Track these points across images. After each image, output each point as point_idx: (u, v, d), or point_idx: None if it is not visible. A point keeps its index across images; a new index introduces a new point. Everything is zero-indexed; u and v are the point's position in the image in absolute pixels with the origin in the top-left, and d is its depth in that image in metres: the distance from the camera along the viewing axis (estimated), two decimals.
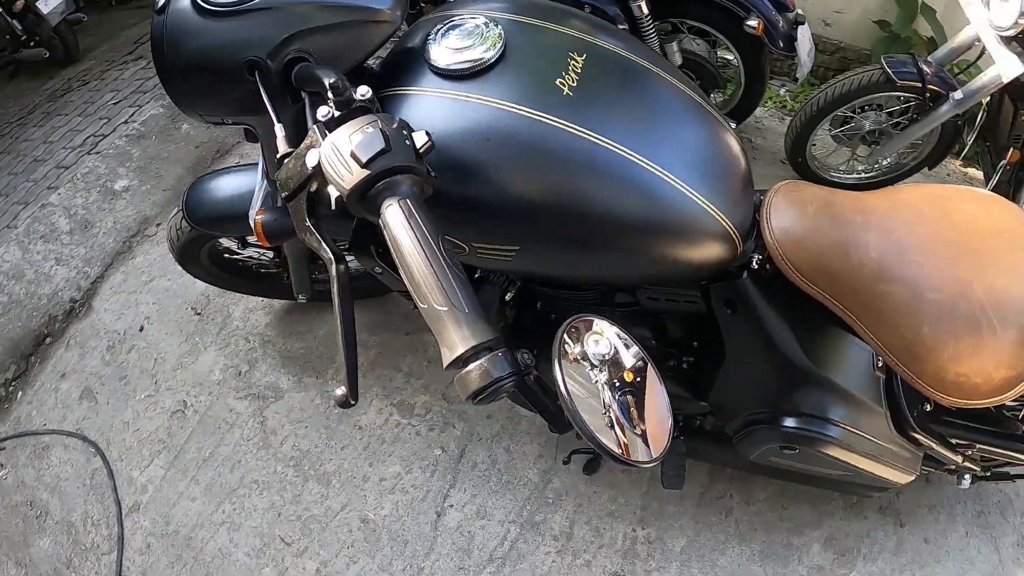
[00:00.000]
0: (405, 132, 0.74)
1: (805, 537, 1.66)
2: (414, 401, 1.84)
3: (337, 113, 0.76)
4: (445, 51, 0.91)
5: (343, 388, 0.72)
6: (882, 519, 1.74)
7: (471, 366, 0.61)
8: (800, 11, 2.06)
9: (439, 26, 0.96)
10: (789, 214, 1.03)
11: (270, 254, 1.77)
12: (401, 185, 0.70)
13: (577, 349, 0.69)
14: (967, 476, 1.43)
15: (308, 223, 0.77)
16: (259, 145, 1.07)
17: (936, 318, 0.95)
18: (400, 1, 0.95)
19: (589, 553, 1.61)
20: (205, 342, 1.93)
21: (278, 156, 0.80)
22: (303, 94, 0.87)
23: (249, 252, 1.78)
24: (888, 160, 2.30)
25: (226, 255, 1.76)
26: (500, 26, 0.93)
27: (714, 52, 2.36)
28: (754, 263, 1.04)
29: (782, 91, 2.91)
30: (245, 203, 1.37)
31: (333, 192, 0.72)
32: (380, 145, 0.69)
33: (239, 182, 1.43)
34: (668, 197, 0.92)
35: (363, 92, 0.78)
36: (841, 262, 1.00)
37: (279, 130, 0.82)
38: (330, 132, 0.73)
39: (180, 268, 1.74)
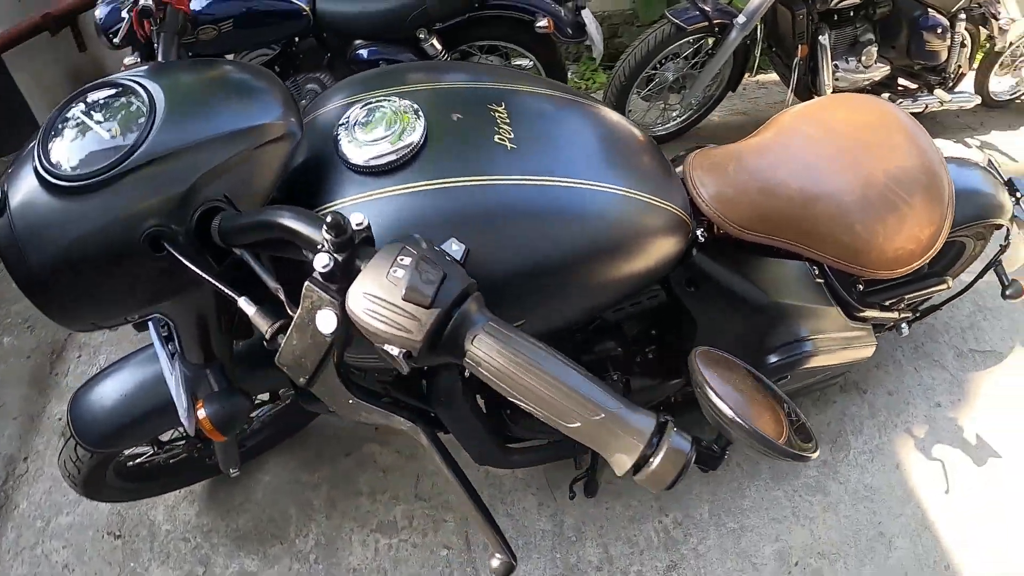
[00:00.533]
0: (438, 248, 0.65)
1: None
2: (391, 517, 1.73)
3: (341, 257, 0.61)
4: (363, 146, 0.84)
5: (498, 556, 0.64)
6: (847, 396, 1.95)
7: (657, 458, 0.56)
8: None
9: (340, 120, 0.88)
10: (713, 180, 1.13)
11: (188, 440, 1.59)
12: (474, 311, 0.60)
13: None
14: (903, 325, 1.65)
15: (352, 399, 0.67)
16: (121, 332, 0.97)
17: (861, 214, 1.10)
18: (289, 106, 0.84)
19: (635, 563, 1.62)
20: (143, 563, 1.69)
21: (268, 334, 0.66)
22: (237, 251, 0.73)
23: (167, 449, 1.60)
24: (697, 98, 2.55)
25: (136, 463, 1.56)
26: (406, 100, 0.88)
27: (509, 63, 2.48)
28: (700, 237, 1.11)
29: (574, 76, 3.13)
30: (145, 402, 1.23)
31: (393, 351, 0.58)
32: (438, 274, 0.59)
33: (125, 381, 1.26)
34: (627, 207, 0.95)
35: (359, 220, 0.63)
36: (772, 203, 1.11)
37: (246, 305, 0.68)
38: (351, 283, 0.60)
39: (76, 497, 1.51)
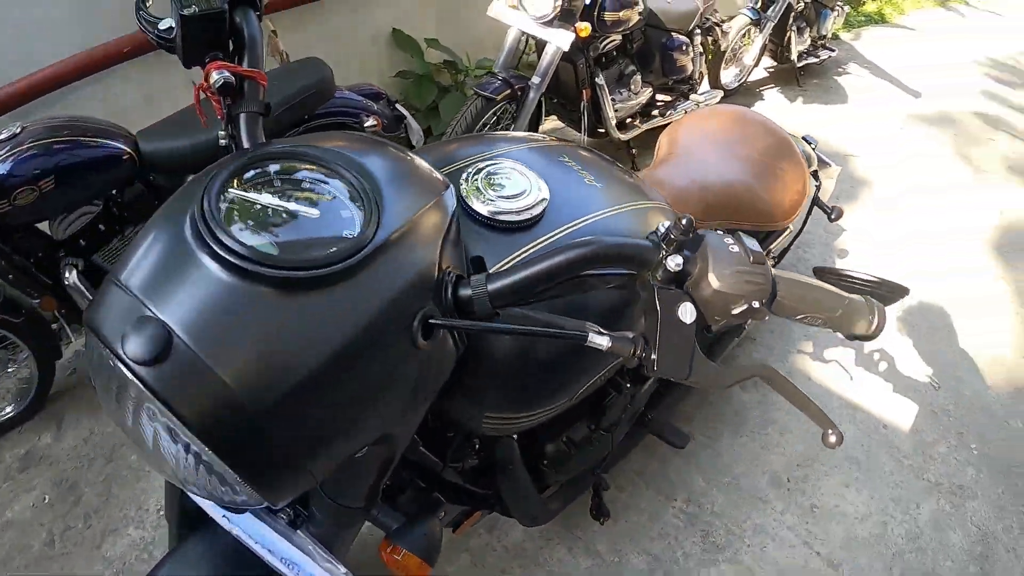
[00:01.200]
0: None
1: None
2: None
3: (691, 254, 0.72)
4: (503, 202, 0.90)
5: (830, 432, 0.78)
6: (747, 347, 2.32)
7: (876, 310, 0.81)
8: (383, 91, 2.43)
9: (461, 183, 0.91)
10: (663, 189, 1.39)
11: None
12: None
13: None
14: None
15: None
16: None
17: (760, 185, 1.53)
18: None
19: (677, 549, 1.75)
20: None
21: (635, 352, 0.71)
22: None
23: None
24: None
25: None
26: (512, 160, 0.98)
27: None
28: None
29: None
30: None
31: (755, 303, 0.72)
32: (739, 240, 0.74)
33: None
34: (652, 211, 1.12)
35: (676, 263, 0.71)
36: (709, 196, 1.44)
37: (597, 337, 0.70)
38: (695, 272, 0.71)
39: None
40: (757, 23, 4.09)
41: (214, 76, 0.85)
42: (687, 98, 3.46)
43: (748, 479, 1.95)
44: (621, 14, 2.70)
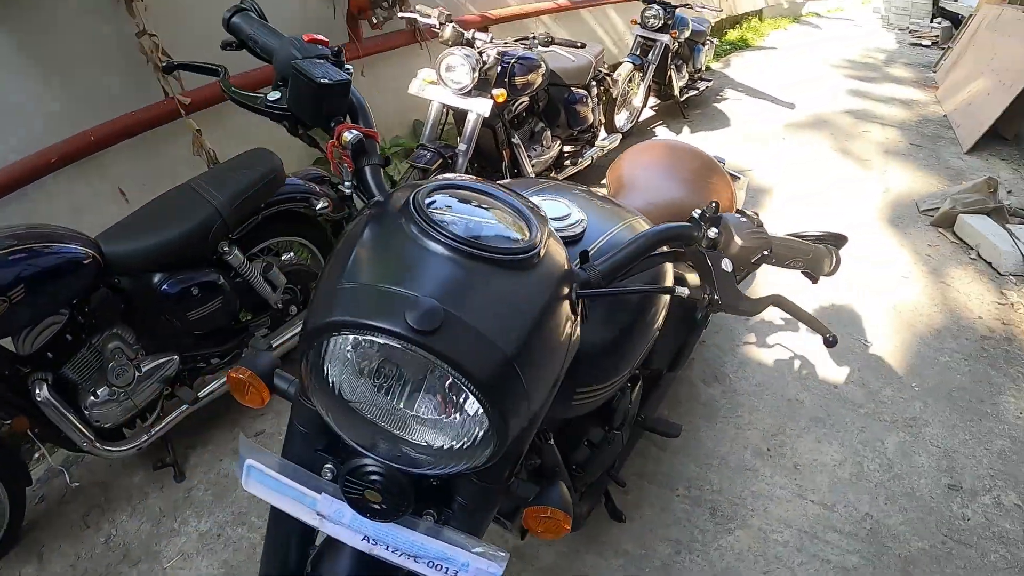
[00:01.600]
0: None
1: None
2: None
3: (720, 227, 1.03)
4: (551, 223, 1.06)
5: (825, 336, 1.11)
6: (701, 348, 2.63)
7: (833, 253, 1.13)
8: (326, 175, 2.64)
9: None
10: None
11: None
12: None
13: None
14: None
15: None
16: None
17: (701, 198, 1.88)
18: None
19: (694, 530, 1.97)
20: None
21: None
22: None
23: None
24: None
25: None
26: (551, 194, 1.30)
27: (282, 258, 2.58)
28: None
29: None
30: None
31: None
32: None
33: None
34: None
35: (714, 232, 1.02)
36: (662, 213, 1.74)
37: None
38: (721, 239, 1.01)
39: None
40: (640, 68, 4.67)
41: (346, 135, 1.03)
42: (592, 145, 3.90)
43: (734, 456, 2.22)
44: (528, 77, 3.09)
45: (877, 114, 6.17)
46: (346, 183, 1.06)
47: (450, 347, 0.70)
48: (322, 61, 1.07)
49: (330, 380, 0.80)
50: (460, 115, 2.97)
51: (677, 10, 4.88)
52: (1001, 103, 5.25)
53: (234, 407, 2.32)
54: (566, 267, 0.88)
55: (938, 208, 4.03)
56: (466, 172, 2.99)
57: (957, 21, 10.59)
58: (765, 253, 1.07)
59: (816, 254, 1.15)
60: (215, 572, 1.87)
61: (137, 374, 1.97)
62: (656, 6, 4.69)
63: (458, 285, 0.74)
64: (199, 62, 1.40)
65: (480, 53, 2.78)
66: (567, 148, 3.81)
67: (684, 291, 0.97)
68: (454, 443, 0.80)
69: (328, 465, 0.93)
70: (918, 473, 2.19)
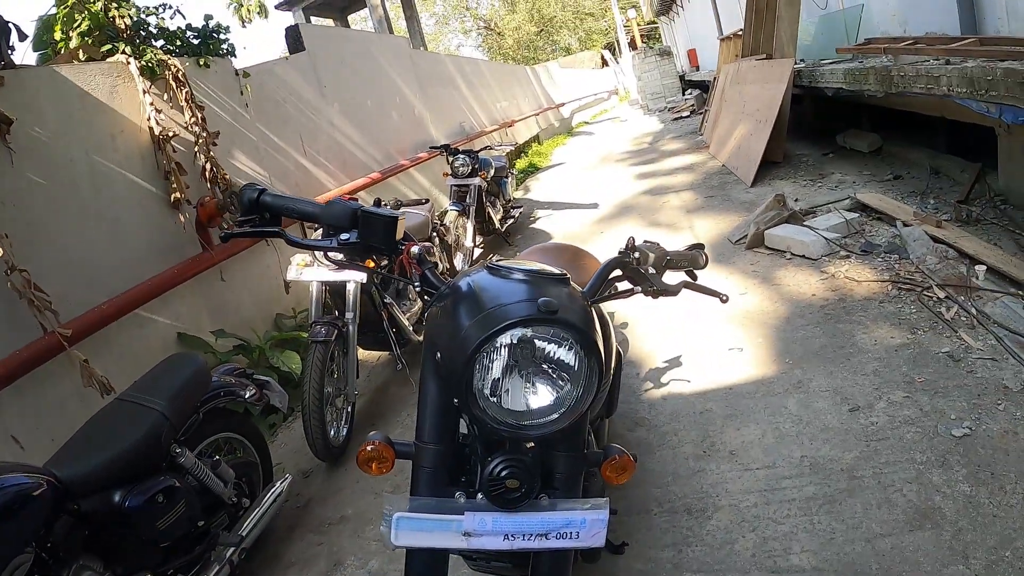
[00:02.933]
0: None
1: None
2: None
3: None
4: None
5: (719, 295, 1.69)
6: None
7: (703, 253, 1.79)
8: (239, 366, 3.00)
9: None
10: None
11: None
12: None
13: None
14: None
15: None
16: None
17: (582, 275, 2.43)
18: None
19: (691, 525, 2.45)
20: None
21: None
22: None
23: None
24: (353, 389, 3.62)
25: None
26: None
27: (224, 456, 2.87)
28: None
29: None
30: None
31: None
32: None
33: None
34: None
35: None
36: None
37: None
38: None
39: None
40: (463, 212, 5.59)
41: (414, 250, 1.61)
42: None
43: (682, 468, 2.76)
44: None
45: (668, 184, 7.53)
46: (415, 285, 1.64)
47: (569, 318, 1.25)
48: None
49: (476, 385, 1.26)
50: (337, 289, 3.51)
51: (479, 154, 5.95)
52: (763, 136, 6.73)
53: None
54: (577, 287, 1.46)
55: (746, 235, 5.09)
56: (358, 335, 3.49)
57: (705, 86, 12.98)
58: (668, 259, 1.70)
59: (693, 256, 1.82)
60: None
61: None
62: (462, 156, 5.76)
63: (546, 293, 1.28)
64: (256, 228, 1.82)
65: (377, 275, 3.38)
66: (426, 298, 4.44)
67: (637, 289, 1.61)
68: (566, 394, 1.29)
69: (458, 492, 1.36)
70: (823, 413, 2.87)
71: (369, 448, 1.38)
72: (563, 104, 17.98)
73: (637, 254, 1.62)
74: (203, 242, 3.99)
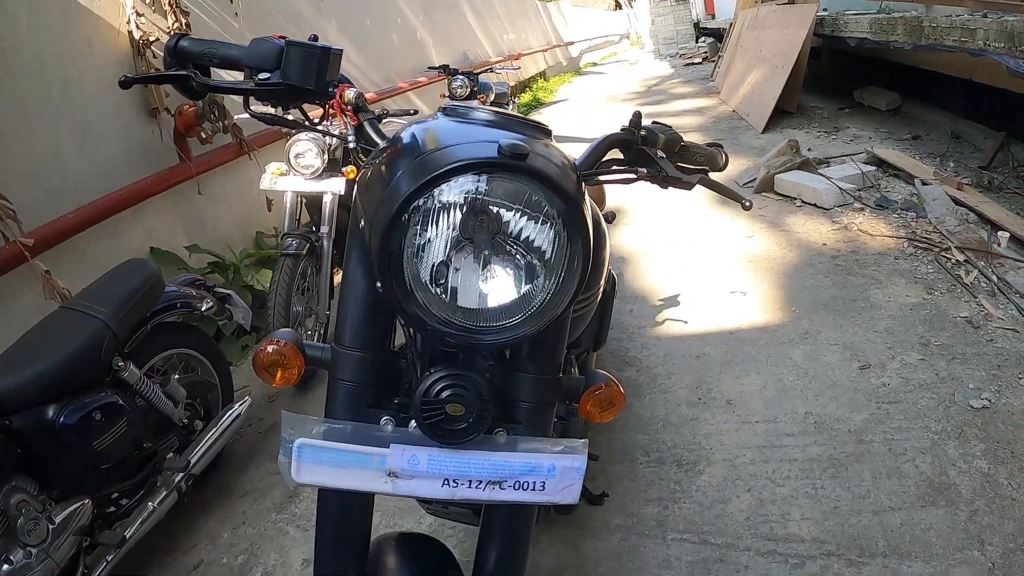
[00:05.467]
0: None
1: None
2: None
3: None
4: None
5: (743, 201, 1.27)
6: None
7: (724, 153, 1.35)
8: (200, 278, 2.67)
9: None
10: None
11: None
12: None
13: None
14: None
15: None
16: None
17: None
18: None
19: (673, 476, 2.17)
20: None
21: None
22: None
23: None
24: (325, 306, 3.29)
25: None
26: None
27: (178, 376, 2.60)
28: None
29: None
30: None
31: None
32: None
33: None
34: None
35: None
36: None
37: None
38: None
39: None
40: None
41: (348, 94, 1.28)
42: None
43: (673, 415, 2.47)
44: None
45: (677, 126, 6.97)
46: (349, 138, 1.28)
47: (540, 167, 0.83)
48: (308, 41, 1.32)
49: (406, 264, 0.86)
50: (314, 201, 3.15)
51: (479, 77, 5.47)
52: (779, 82, 6.29)
53: (160, 550, 2.22)
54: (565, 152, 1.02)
55: (755, 178, 4.71)
56: (332, 254, 3.14)
57: (719, 35, 12.45)
58: (683, 144, 1.30)
59: (713, 153, 1.40)
60: None
61: (51, 527, 1.81)
62: (461, 77, 5.28)
63: (516, 142, 0.82)
64: (161, 72, 1.51)
65: (324, 135, 2.99)
66: (363, 158, 4.06)
67: (642, 171, 1.15)
68: (537, 287, 0.89)
69: (385, 417, 0.99)
70: (831, 368, 2.56)
71: (270, 349, 1.00)
72: (572, 43, 17.35)
73: (644, 132, 1.18)
74: (180, 153, 3.67)
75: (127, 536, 2.00)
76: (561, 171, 0.87)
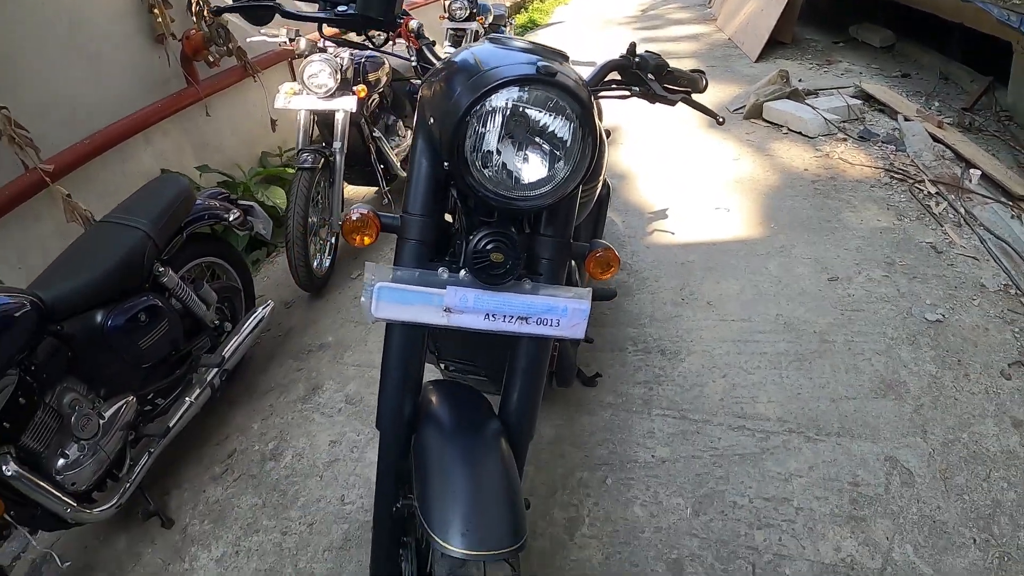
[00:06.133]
0: None
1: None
2: None
3: None
4: None
5: (717, 116, 1.57)
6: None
7: (704, 77, 1.61)
8: (224, 191, 2.82)
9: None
10: None
11: None
12: None
13: None
14: None
15: None
16: None
17: None
18: None
19: (656, 368, 2.42)
20: None
21: None
22: None
23: None
24: (338, 216, 3.43)
25: None
26: None
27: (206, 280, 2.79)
28: None
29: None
30: None
31: None
32: None
33: None
34: None
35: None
36: None
37: None
38: None
39: None
40: None
41: (412, 24, 1.57)
42: None
43: (659, 312, 2.72)
44: (378, 73, 3.48)
45: (672, 51, 7.12)
46: (413, 59, 1.51)
47: (565, 82, 1.08)
48: None
49: (467, 148, 1.12)
50: (325, 120, 3.26)
51: None
52: (775, 12, 6.33)
53: (195, 443, 2.41)
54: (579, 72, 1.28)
55: (745, 105, 4.85)
56: (344, 168, 3.29)
57: None
58: (669, 69, 1.54)
59: (695, 78, 1.62)
60: None
61: (101, 421, 1.94)
62: None
63: (549, 64, 1.10)
64: (248, 3, 1.72)
65: (335, 57, 3.09)
66: (423, 71, 4.18)
67: (635, 89, 1.48)
68: (558, 167, 1.16)
69: (441, 267, 1.24)
70: (802, 278, 2.82)
71: (354, 217, 1.26)
72: None
73: (638, 59, 1.50)
74: (188, 76, 3.71)
75: (170, 426, 2.16)
76: (578, 85, 1.13)
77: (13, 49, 2.77)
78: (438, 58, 1.41)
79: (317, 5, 1.61)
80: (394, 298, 1.19)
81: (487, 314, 1.21)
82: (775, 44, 6.51)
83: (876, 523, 1.84)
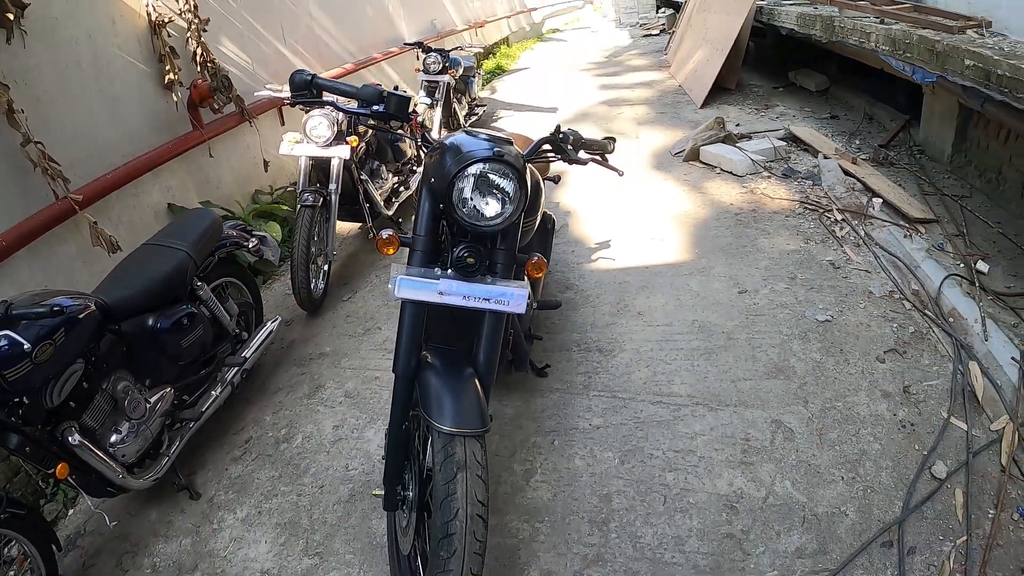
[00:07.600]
0: None
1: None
2: None
3: None
4: None
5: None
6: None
7: (612, 142, 2.33)
8: (242, 223, 3.47)
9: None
10: None
11: None
12: None
13: None
14: None
15: None
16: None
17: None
18: None
19: (592, 362, 3.11)
20: None
21: None
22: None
23: None
24: (334, 248, 4.11)
25: None
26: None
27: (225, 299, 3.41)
28: None
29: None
30: None
31: None
32: None
33: None
34: None
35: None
36: None
37: None
38: None
39: None
40: (431, 106, 5.99)
41: (419, 119, 2.25)
42: (413, 173, 5.03)
43: (599, 321, 3.42)
44: (363, 127, 4.17)
45: (626, 98, 8.00)
46: (417, 140, 2.27)
47: (509, 159, 1.83)
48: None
49: (454, 196, 1.84)
50: (320, 165, 3.95)
51: (451, 53, 6.34)
52: (717, 64, 7.22)
53: (215, 434, 3.01)
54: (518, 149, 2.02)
55: (684, 149, 5.67)
56: (338, 208, 3.99)
57: (678, 7, 13.20)
58: (584, 140, 2.25)
59: (604, 143, 2.32)
60: (273, 536, 2.46)
61: (148, 405, 2.46)
62: (435, 54, 6.14)
63: (500, 149, 1.84)
64: (310, 100, 2.40)
65: (332, 112, 3.78)
66: (396, 179, 4.91)
67: (558, 157, 2.19)
68: (506, 208, 1.87)
69: (436, 267, 1.94)
70: (717, 292, 3.55)
71: (385, 235, 2.00)
72: (535, 8, 17.98)
73: (561, 135, 2.18)
74: (194, 121, 4.30)
75: (204, 410, 2.75)
76: (517, 159, 1.89)
77: (46, 91, 3.20)
78: (434, 140, 2.18)
79: (357, 103, 2.34)
80: (407, 285, 1.88)
81: (464, 296, 1.90)
82: (721, 90, 7.39)
83: (762, 467, 2.46)
